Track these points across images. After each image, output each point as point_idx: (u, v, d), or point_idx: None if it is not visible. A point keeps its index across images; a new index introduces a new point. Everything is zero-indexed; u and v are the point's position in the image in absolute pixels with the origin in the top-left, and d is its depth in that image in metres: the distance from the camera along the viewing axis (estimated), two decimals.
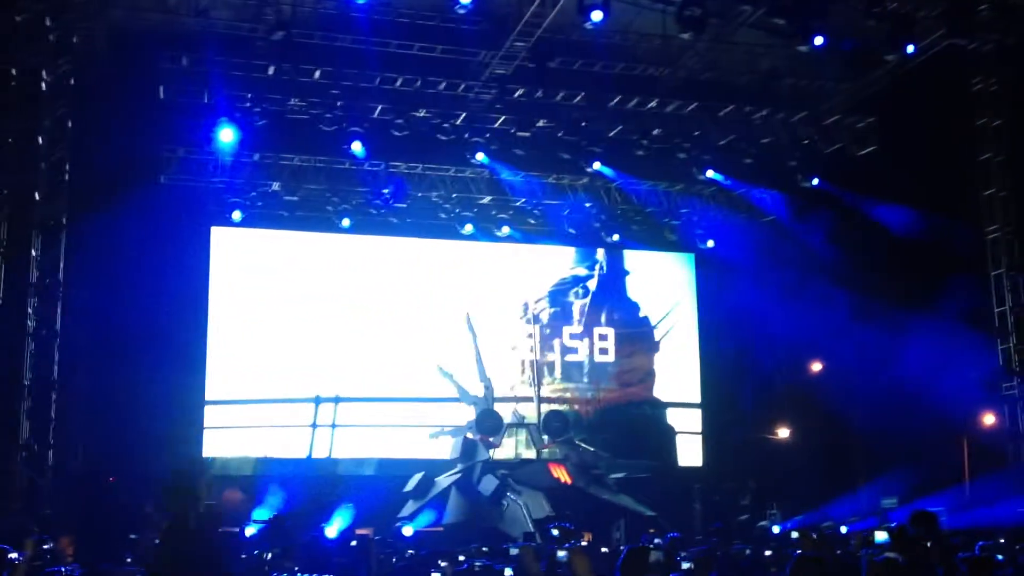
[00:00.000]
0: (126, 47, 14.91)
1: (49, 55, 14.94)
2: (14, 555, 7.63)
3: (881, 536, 10.68)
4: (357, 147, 17.10)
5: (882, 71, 16.71)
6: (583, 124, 17.78)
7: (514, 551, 10.34)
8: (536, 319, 19.63)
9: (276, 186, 18.55)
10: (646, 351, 20.97)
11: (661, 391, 20.86)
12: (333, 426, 18.81)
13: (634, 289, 21.17)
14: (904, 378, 16.18)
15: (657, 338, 21.06)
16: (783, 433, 20.91)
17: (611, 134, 18.20)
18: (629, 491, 17.80)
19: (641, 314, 21.10)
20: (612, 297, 21.02)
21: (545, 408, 18.51)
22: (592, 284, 20.95)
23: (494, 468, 17.28)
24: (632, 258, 21.19)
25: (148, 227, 16.11)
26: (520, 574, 9.44)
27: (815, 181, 18.53)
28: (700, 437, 20.85)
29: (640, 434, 20.24)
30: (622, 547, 10.46)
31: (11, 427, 14.52)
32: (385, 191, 18.41)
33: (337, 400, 18.80)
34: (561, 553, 10.29)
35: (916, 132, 16.69)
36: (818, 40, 14.12)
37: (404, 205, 19.34)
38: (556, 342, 20.51)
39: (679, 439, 20.71)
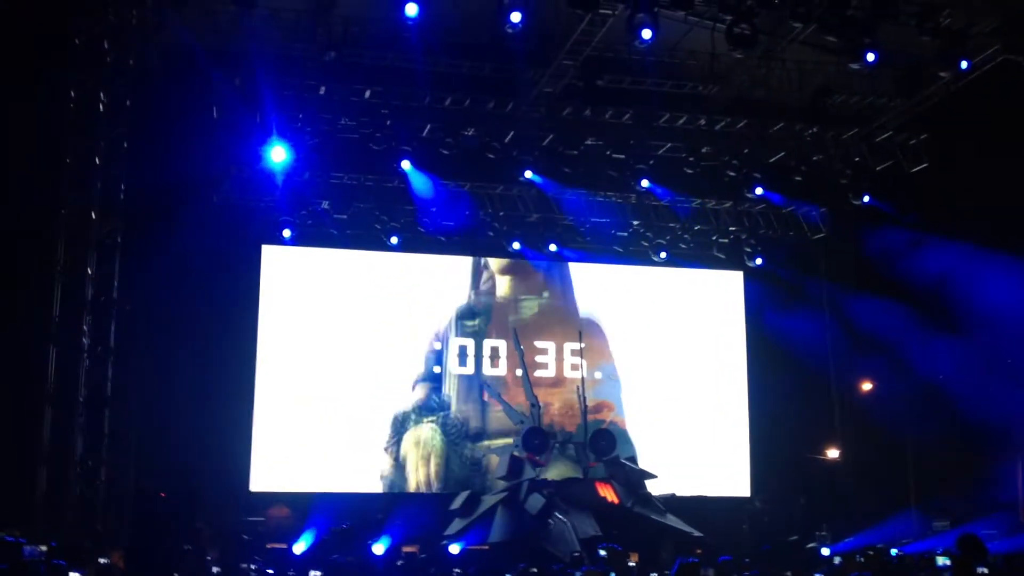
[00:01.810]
0: (181, 68, 15.13)
1: (106, 77, 15.22)
2: (75, 574, 7.69)
3: (942, 560, 10.55)
4: (406, 165, 17.22)
5: (935, 88, 16.53)
6: (631, 142, 17.77)
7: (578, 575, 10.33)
8: (581, 336, 19.56)
9: (326, 204, 18.72)
10: (693, 370, 20.84)
11: (708, 410, 20.70)
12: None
13: (683, 307, 21.06)
14: (958, 398, 15.94)
15: (702, 357, 20.92)
16: (832, 453, 20.67)
17: (659, 152, 18.18)
18: (676, 511, 17.63)
19: (688, 332, 20.97)
20: (655, 313, 20.91)
21: (592, 427, 18.40)
22: (634, 301, 20.88)
23: (540, 487, 17.17)
24: (680, 276, 21.09)
25: (201, 245, 16.31)
26: None
27: (866, 198, 18.33)
28: (748, 456, 20.67)
29: (687, 453, 20.09)
30: (672, 567, 10.37)
31: (66, 443, 14.73)
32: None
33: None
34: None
35: (969, 149, 16.46)
36: (870, 57, 13.98)
37: (451, 223, 19.43)
38: (602, 359, 20.44)
39: (727, 458, 20.54)
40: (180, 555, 13.59)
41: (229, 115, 15.75)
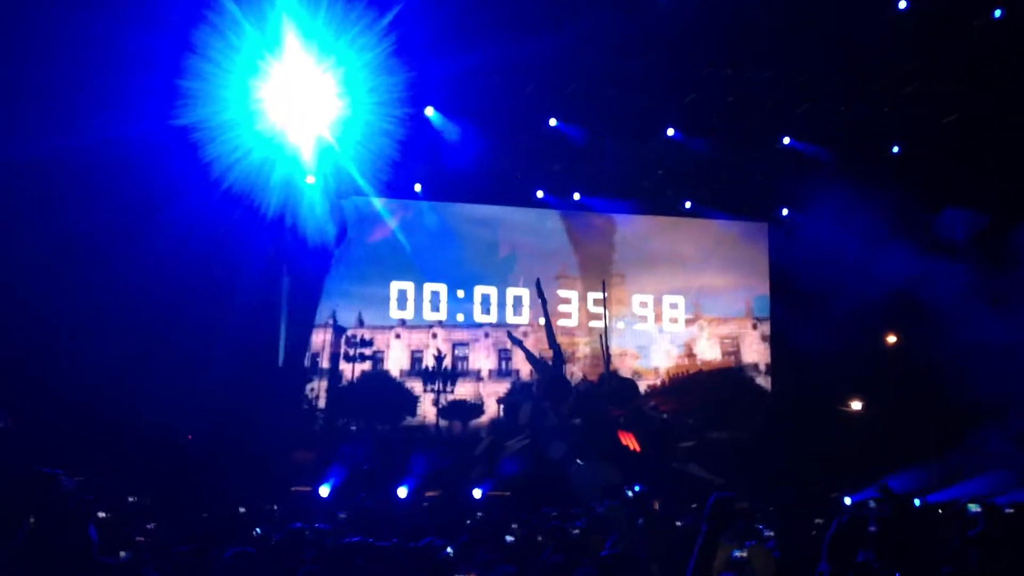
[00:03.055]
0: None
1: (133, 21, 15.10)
2: (101, 514, 7.75)
3: (974, 507, 10.60)
4: (430, 112, 17.13)
5: (968, 37, 16.21)
6: (659, 89, 17.56)
7: (600, 509, 10.37)
8: (604, 286, 19.55)
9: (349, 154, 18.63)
10: (718, 320, 20.81)
11: (731, 359, 20.70)
12: None
13: (710, 256, 20.99)
14: (983, 352, 15.84)
15: (727, 307, 20.88)
16: (856, 405, 20.64)
17: (687, 100, 17.98)
18: (698, 460, 17.72)
19: (713, 282, 20.91)
20: (679, 263, 20.85)
21: (615, 376, 18.48)
22: (658, 249, 20.81)
23: (562, 434, 17.29)
24: (706, 225, 20.99)
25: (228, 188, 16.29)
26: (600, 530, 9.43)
27: (895, 149, 18.11)
28: (770, 405, 20.70)
29: (710, 403, 20.12)
30: (692, 515, 10.43)
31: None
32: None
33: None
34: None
35: (1002, 100, 16.20)
36: (902, 3, 13.76)
37: (475, 170, 19.33)
38: (626, 309, 20.43)
39: (749, 408, 20.56)
40: (207, 495, 13.79)
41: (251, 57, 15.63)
